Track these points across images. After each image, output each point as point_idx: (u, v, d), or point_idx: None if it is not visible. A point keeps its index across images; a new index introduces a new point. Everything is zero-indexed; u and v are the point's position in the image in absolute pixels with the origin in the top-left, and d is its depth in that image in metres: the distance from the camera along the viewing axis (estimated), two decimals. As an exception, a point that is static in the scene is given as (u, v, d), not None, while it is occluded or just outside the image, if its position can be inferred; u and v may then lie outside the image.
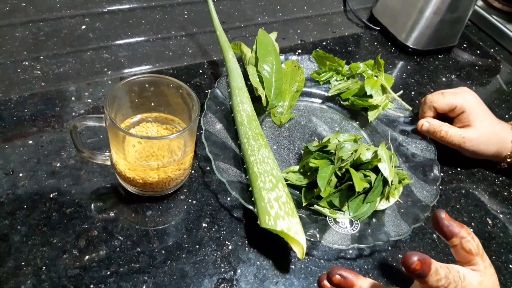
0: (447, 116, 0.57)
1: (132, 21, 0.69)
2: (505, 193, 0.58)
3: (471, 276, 0.36)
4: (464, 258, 0.37)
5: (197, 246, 0.44)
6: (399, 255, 0.47)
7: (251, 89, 0.55)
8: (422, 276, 0.32)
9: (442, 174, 0.56)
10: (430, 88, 0.72)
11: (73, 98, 0.55)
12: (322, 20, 0.81)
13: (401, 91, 0.61)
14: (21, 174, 0.45)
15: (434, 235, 0.50)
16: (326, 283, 0.37)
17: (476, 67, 0.80)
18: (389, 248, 0.48)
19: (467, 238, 0.37)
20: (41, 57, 0.59)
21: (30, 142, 0.49)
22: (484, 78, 0.78)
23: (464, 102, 0.55)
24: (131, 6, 0.72)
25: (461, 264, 0.38)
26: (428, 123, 0.56)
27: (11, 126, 0.50)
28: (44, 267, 0.39)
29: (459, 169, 0.59)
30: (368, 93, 0.58)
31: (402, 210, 0.48)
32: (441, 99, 0.56)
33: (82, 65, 0.60)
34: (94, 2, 0.70)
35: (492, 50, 0.86)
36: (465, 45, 0.85)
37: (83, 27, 0.66)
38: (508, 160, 0.57)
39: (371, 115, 0.59)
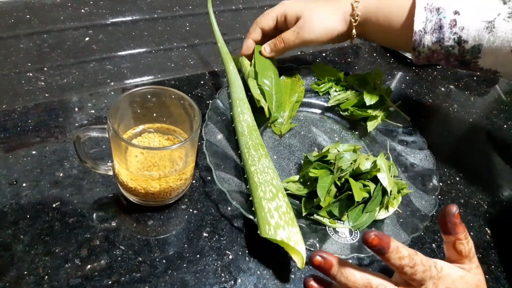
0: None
1: (134, 32, 0.70)
2: (504, 203, 0.58)
3: (451, 269, 0.36)
4: (453, 256, 0.38)
5: (198, 256, 0.44)
6: (399, 265, 0.47)
7: (251, 100, 0.56)
8: (382, 252, 0.33)
9: (441, 184, 0.57)
10: (429, 99, 0.72)
11: (76, 109, 0.56)
12: (321, 31, 0.82)
13: (400, 101, 0.62)
14: (24, 184, 0.46)
15: (434, 245, 0.51)
16: (313, 283, 0.37)
17: (475, 78, 0.81)
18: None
19: (462, 241, 0.37)
20: (45, 68, 0.60)
21: (34, 152, 0.49)
22: (483, 89, 0.79)
23: (286, 7, 0.56)
24: (134, 18, 0.73)
25: (449, 261, 0.38)
26: (268, 45, 0.58)
27: (14, 136, 0.51)
28: (46, 277, 0.40)
29: (457, 178, 0.59)
30: (367, 104, 0.59)
31: (401, 220, 0.48)
32: (263, 18, 0.58)
33: (85, 76, 0.61)
34: (98, 14, 0.72)
35: (490, 60, 0.87)
36: (463, 56, 0.86)
37: (87, 38, 0.67)
38: (355, 24, 0.55)
39: (370, 126, 0.60)
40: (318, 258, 0.35)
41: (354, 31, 0.56)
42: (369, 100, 0.59)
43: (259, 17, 0.59)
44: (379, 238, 0.33)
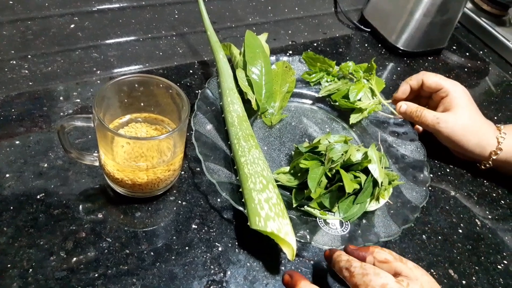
0: (432, 104, 0.59)
1: (122, 20, 0.68)
2: (494, 194, 0.58)
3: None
4: (388, 271, 0.37)
5: (187, 248, 0.43)
6: (389, 256, 0.47)
7: (242, 89, 0.55)
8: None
9: (431, 175, 0.57)
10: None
11: (61, 98, 0.54)
12: (313, 21, 0.81)
13: (390, 100, 0.61)
14: (7, 175, 0.45)
15: (424, 236, 0.51)
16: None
17: (465, 69, 0.81)
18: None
19: (376, 250, 0.38)
20: (29, 56, 0.58)
21: (17, 142, 0.48)
22: (473, 80, 0.79)
23: (452, 87, 0.56)
24: (121, 5, 0.71)
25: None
26: (406, 105, 0.57)
27: (-3, 126, 0.49)
28: (30, 269, 0.39)
29: (448, 170, 0.59)
30: (352, 99, 0.58)
31: (392, 211, 0.48)
32: (432, 76, 0.58)
33: (70, 64, 0.59)
34: (84, 1, 0.70)
35: (481, 52, 0.87)
36: (454, 47, 0.86)
37: (72, 26, 0.65)
38: (494, 157, 0.55)
39: (353, 118, 0.59)
40: (286, 276, 0.39)
41: (490, 162, 0.57)
42: (355, 95, 0.58)
43: (428, 72, 0.59)
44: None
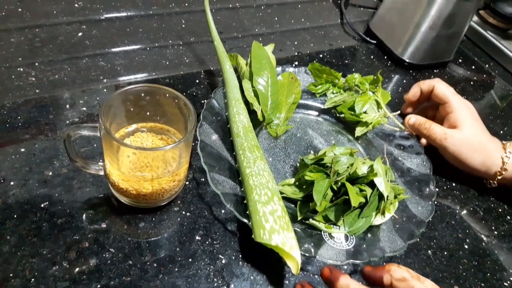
0: (438, 117, 0.59)
1: (129, 29, 0.69)
2: (500, 210, 0.58)
3: None
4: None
5: (190, 260, 0.43)
6: (394, 271, 0.47)
7: (247, 100, 0.55)
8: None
9: (437, 189, 0.56)
10: (425, 103, 0.72)
11: (67, 106, 0.54)
12: (319, 32, 0.81)
13: (398, 112, 0.61)
14: (12, 183, 0.45)
15: (429, 251, 0.50)
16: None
17: (471, 82, 0.81)
18: (384, 264, 0.47)
19: (393, 268, 0.37)
20: (36, 64, 0.58)
21: (23, 150, 0.48)
22: (479, 93, 0.79)
23: (457, 103, 0.56)
24: (129, 14, 0.72)
25: None
26: (415, 118, 0.58)
27: (3, 133, 0.49)
28: (33, 279, 0.38)
29: (454, 184, 0.59)
30: (358, 112, 0.58)
31: (397, 226, 0.48)
32: (442, 85, 0.58)
33: (77, 72, 0.59)
34: (92, 9, 0.70)
35: (487, 65, 0.87)
36: (460, 60, 0.85)
37: (80, 34, 0.65)
38: (499, 177, 0.55)
39: (358, 131, 0.59)
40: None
41: (495, 182, 0.56)
42: (361, 108, 0.58)
43: (442, 83, 0.59)
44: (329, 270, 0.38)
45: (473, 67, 0.85)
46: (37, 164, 0.47)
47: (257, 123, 0.55)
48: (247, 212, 0.43)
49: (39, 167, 0.47)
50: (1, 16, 0.64)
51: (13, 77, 0.56)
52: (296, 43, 0.77)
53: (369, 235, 0.47)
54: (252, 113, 0.54)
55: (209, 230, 0.46)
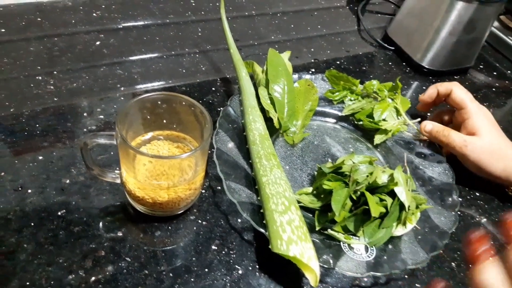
0: (455, 123, 0.57)
1: (146, 37, 0.69)
2: (526, 220, 0.56)
3: None
4: None
5: (206, 270, 0.42)
6: (416, 285, 0.45)
7: (264, 108, 0.54)
8: None
9: (460, 199, 0.54)
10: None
11: (85, 114, 0.54)
12: (336, 39, 0.81)
13: (419, 119, 0.59)
14: (29, 191, 0.45)
15: (453, 264, 0.48)
16: None
17: (493, 89, 0.79)
18: (406, 276, 0.46)
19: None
20: (55, 72, 0.59)
21: (40, 157, 0.48)
22: (501, 100, 0.77)
23: (474, 110, 0.54)
24: (146, 23, 0.72)
25: None
26: (431, 124, 0.56)
27: (21, 140, 0.49)
28: (49, 288, 0.38)
29: (477, 194, 0.57)
30: (376, 119, 0.57)
31: (419, 237, 0.46)
32: (460, 90, 0.56)
33: (95, 80, 0.59)
34: (109, 19, 0.71)
35: (509, 71, 0.84)
36: (481, 66, 0.83)
37: (98, 43, 0.66)
38: None
39: (378, 139, 0.57)
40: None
41: None
42: (380, 115, 0.57)
43: (460, 87, 0.57)
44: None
45: (495, 73, 0.83)
46: (55, 172, 0.47)
47: (273, 130, 0.55)
48: (264, 222, 0.43)
49: (56, 175, 0.47)
50: (20, 25, 0.65)
51: (32, 85, 0.56)
52: (312, 50, 0.76)
53: (390, 246, 0.45)
54: (268, 120, 0.53)
55: (226, 239, 0.45)
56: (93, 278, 0.39)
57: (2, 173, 0.46)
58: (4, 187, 0.45)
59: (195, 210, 0.47)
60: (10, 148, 0.48)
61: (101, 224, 0.44)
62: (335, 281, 0.44)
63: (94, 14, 0.71)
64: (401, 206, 0.45)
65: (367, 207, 0.43)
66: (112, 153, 0.50)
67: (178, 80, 0.63)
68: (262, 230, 0.42)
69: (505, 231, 0.34)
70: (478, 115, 0.54)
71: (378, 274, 0.41)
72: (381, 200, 0.45)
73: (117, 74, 0.61)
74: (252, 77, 0.59)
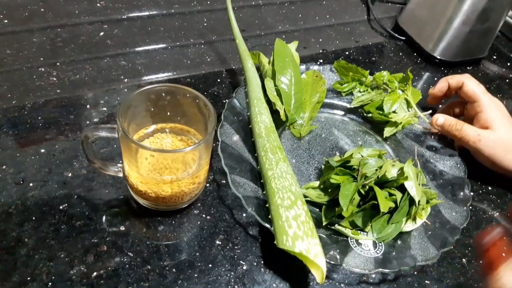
0: (467, 116, 0.56)
1: (150, 28, 0.68)
2: (541, 216, 0.54)
3: None
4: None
5: (210, 265, 0.41)
6: (426, 281, 0.44)
7: (270, 99, 0.53)
8: None
9: (472, 193, 0.53)
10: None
11: (88, 106, 0.54)
12: (344, 29, 0.79)
13: (430, 111, 0.58)
14: (31, 184, 0.44)
15: (464, 260, 0.47)
16: None
17: (507, 80, 0.76)
18: (415, 273, 0.44)
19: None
20: (58, 64, 0.58)
21: (42, 150, 0.47)
22: (516, 91, 0.74)
23: (487, 102, 0.53)
24: (150, 13, 0.71)
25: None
26: (443, 118, 0.54)
27: (24, 133, 0.49)
28: (50, 283, 0.37)
29: (490, 188, 0.55)
30: (386, 111, 0.55)
31: (429, 232, 0.45)
32: (472, 83, 0.54)
33: (98, 72, 0.58)
34: (113, 9, 0.70)
35: (523, 62, 0.82)
36: (494, 57, 0.81)
37: (101, 33, 0.65)
38: None
39: (387, 131, 0.56)
40: None
41: None
42: (390, 107, 0.55)
43: (472, 79, 0.55)
44: None
45: (508, 64, 0.80)
46: (57, 165, 0.46)
47: (279, 123, 0.53)
48: (269, 217, 0.41)
49: (58, 168, 0.46)
50: (24, 16, 0.64)
51: (34, 77, 0.56)
52: (320, 40, 0.74)
53: (399, 242, 0.44)
54: (274, 113, 0.52)
55: (230, 234, 0.44)
56: (95, 273, 0.39)
57: (4, 166, 0.45)
58: (6, 180, 0.44)
59: (199, 204, 0.46)
60: (11, 141, 0.48)
61: (103, 218, 0.43)
62: (342, 277, 0.43)
63: (98, 5, 0.70)
64: (411, 201, 0.44)
65: (375, 202, 0.42)
66: (115, 146, 0.49)
67: (183, 71, 0.62)
68: (268, 225, 0.41)
69: None
70: (491, 108, 0.52)
71: (387, 270, 0.40)
72: (391, 194, 0.44)
73: (121, 65, 0.60)
74: (259, 68, 0.58)
